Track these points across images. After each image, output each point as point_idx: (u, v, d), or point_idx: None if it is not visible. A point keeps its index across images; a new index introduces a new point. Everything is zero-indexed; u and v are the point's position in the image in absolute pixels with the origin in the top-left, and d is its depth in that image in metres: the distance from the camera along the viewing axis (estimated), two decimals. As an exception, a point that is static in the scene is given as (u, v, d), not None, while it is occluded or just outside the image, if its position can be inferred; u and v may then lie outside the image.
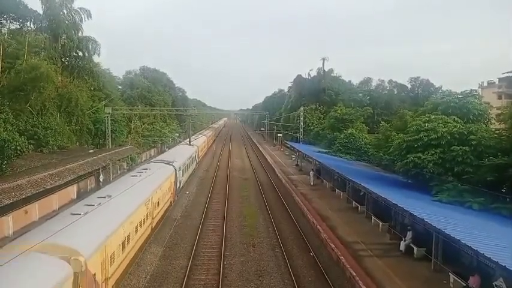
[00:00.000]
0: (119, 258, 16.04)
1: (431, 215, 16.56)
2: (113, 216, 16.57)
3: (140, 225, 19.90)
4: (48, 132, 37.54)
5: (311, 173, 41.37)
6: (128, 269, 17.89)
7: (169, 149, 58.44)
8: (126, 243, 17.02)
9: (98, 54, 52.69)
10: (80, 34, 50.26)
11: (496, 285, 14.04)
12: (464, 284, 15.31)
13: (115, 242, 15.50)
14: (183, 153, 44.49)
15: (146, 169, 29.24)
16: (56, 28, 46.74)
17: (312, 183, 40.01)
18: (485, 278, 14.69)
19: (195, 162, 52.29)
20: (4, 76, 36.21)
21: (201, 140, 70.03)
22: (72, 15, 49.20)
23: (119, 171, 43.27)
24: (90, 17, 50.17)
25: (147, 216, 21.65)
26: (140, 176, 25.94)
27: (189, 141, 57.68)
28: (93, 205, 16.94)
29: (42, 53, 42.98)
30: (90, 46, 51.29)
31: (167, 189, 29.15)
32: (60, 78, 45.11)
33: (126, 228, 17.20)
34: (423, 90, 72.76)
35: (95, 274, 12.88)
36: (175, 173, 33.45)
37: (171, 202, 30.84)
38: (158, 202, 25.21)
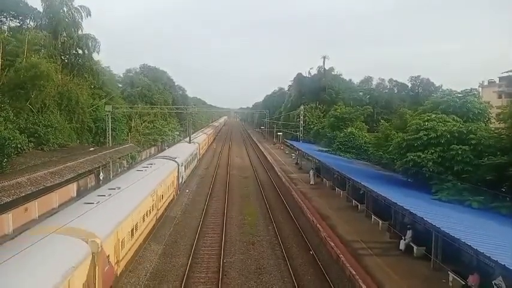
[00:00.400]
0: (129, 244, 17.77)
1: (431, 214, 16.58)
2: (123, 206, 18.16)
3: (146, 215, 21.58)
4: (49, 130, 37.53)
5: (311, 172, 41.28)
6: (135, 255, 19.42)
7: (169, 147, 58.63)
8: (134, 230, 18.68)
9: (98, 52, 52.79)
10: (79, 32, 50.25)
11: (495, 284, 14.06)
12: (464, 283, 15.32)
13: (125, 229, 17.20)
14: (185, 150, 46.16)
15: (151, 164, 31.02)
16: (56, 26, 46.74)
17: (312, 182, 39.88)
18: (485, 276, 14.71)
19: (197, 159, 54.26)
20: (4, 74, 36.19)
21: (201, 138, 70.92)
22: (72, 13, 49.20)
23: (119, 169, 43.27)
24: (90, 15, 50.26)
25: (152, 207, 23.39)
26: (146, 170, 27.64)
27: (189, 140, 57.78)
28: (105, 195, 18.44)
29: (42, 50, 42.94)
30: (90, 44, 51.26)
31: (171, 183, 30.85)
32: (60, 76, 45.08)
33: (134, 217, 18.90)
34: (423, 89, 72.78)
35: (108, 256, 14.65)
36: (178, 168, 35.06)
37: (173, 196, 32.32)
38: (162, 195, 26.79)
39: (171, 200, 31.12)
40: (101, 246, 13.41)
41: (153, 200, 23.52)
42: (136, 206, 19.48)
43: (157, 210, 25.18)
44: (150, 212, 22.57)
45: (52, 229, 12.68)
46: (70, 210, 16.59)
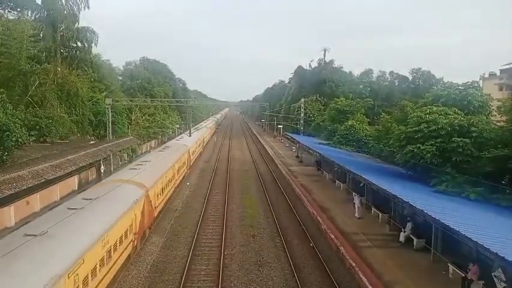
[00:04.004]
0: (160, 198, 25.70)
1: (430, 206, 16.61)
2: (155, 172, 25.86)
3: (170, 182, 29.96)
4: (50, 122, 37.48)
5: (356, 200, 28.29)
6: (163, 208, 27.43)
7: (168, 140, 59.12)
8: (163, 189, 26.96)
9: (96, 45, 52.39)
10: (78, 25, 49.93)
11: (494, 276, 14.14)
12: (463, 275, 15.41)
13: (159, 187, 25.21)
14: (192, 138, 54.72)
15: (168, 147, 40.98)
16: (54, 18, 46.37)
17: (357, 215, 25.64)
18: (484, 268, 14.78)
19: (202, 146, 64.38)
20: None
21: (203, 130, 73.03)
22: (70, 5, 48.80)
23: (119, 162, 43.32)
24: (88, 7, 49.83)
25: (173, 176, 31.79)
26: (165, 151, 36.96)
27: (190, 133, 57.89)
28: (142, 165, 26.76)
29: (42, 42, 42.66)
30: (88, 35, 50.89)
31: (183, 163, 38.95)
32: (59, 69, 44.91)
33: (163, 181, 27.13)
34: (424, 81, 72.25)
35: (151, 200, 22.46)
36: (189, 151, 44.13)
37: (185, 172, 40.66)
38: (178, 169, 35.16)
39: (184, 175, 39.42)
40: (147, 192, 21.63)
41: (173, 172, 31.76)
42: (164, 173, 27.57)
43: (175, 180, 33.20)
44: (171, 180, 30.78)
45: (122, 181, 20.85)
46: (126, 171, 25.77)
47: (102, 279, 13.92)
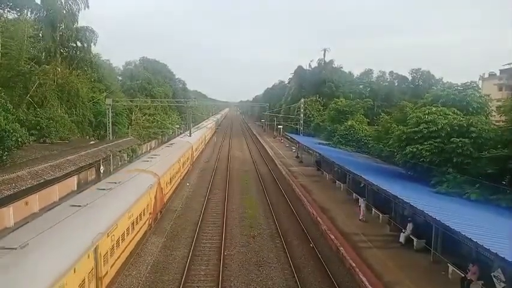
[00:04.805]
0: (168, 186, 29.36)
1: (431, 207, 16.61)
2: (165, 164, 29.54)
3: (176, 173, 33.75)
4: (50, 122, 37.45)
5: (362, 203, 25.66)
6: (173, 194, 31.70)
7: (170, 140, 59.25)
8: (171, 179, 30.86)
9: (95, 44, 52.36)
10: (77, 25, 49.90)
11: (494, 276, 14.14)
12: (463, 275, 15.42)
13: (168, 177, 29.04)
14: (196, 136, 58.96)
15: (173, 143, 44.83)
16: (53, 18, 46.34)
17: (361, 217, 25.09)
18: (484, 269, 14.78)
19: (204, 143, 68.77)
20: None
21: (203, 130, 73.65)
22: (70, 4, 48.78)
23: (119, 163, 43.31)
24: (88, 6, 49.81)
25: (179, 169, 35.66)
26: (172, 147, 41.17)
27: (190, 133, 57.95)
28: (153, 158, 30.67)
29: (41, 42, 42.61)
30: (88, 34, 50.84)
31: (187, 158, 42.93)
32: (59, 69, 44.87)
33: (171, 172, 30.98)
34: (424, 81, 72.33)
35: (162, 188, 26.13)
36: (192, 147, 48.13)
37: (189, 167, 44.17)
38: (183, 163, 39.31)
39: (189, 169, 43.60)
40: (159, 180, 25.31)
41: (179, 165, 35.74)
42: (171, 166, 31.25)
43: (181, 173, 37.44)
44: (178, 172, 34.56)
45: (138, 170, 24.56)
46: (139, 162, 30.43)
47: (128, 244, 17.84)
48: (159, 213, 25.69)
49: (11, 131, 26.72)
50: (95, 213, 15.16)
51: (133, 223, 18.49)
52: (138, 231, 19.83)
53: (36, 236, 11.44)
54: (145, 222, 21.31)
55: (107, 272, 14.74)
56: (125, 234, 17.16)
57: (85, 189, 21.94)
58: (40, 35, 42.44)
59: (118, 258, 16.17)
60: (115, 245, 15.63)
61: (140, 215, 19.99)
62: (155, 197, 23.86)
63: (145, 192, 21.28)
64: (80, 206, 15.42)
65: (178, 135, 67.34)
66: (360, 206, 25.18)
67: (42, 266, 10.25)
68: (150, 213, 22.41)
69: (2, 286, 9.09)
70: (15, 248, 10.46)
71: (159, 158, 30.66)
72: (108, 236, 14.68)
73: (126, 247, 17.35)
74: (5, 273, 9.39)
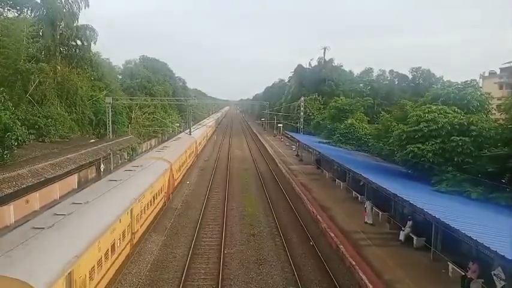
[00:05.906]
0: (178, 173, 34.72)
1: (431, 205, 16.62)
2: (175, 154, 35.14)
3: (184, 163, 39.66)
4: (49, 121, 37.40)
5: (368, 205, 25.04)
6: (182, 179, 37.44)
7: (169, 139, 59.36)
8: (180, 167, 36.57)
9: (95, 42, 52.18)
10: (77, 23, 49.74)
11: (494, 275, 14.15)
12: (463, 273, 15.43)
13: (177, 164, 34.39)
14: (199, 132, 63.78)
15: (179, 138, 51.58)
16: (53, 16, 46.22)
17: (367, 220, 24.24)
18: (484, 267, 14.79)
19: (206, 139, 74.67)
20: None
21: (203, 128, 74.06)
22: (70, 4, 48.65)
23: (119, 161, 43.33)
24: (88, 5, 49.65)
25: (186, 159, 41.59)
26: (178, 141, 46.79)
27: (190, 132, 58.03)
28: (165, 149, 37.10)
29: (41, 40, 42.49)
30: (88, 33, 50.69)
31: (192, 151, 48.60)
32: (59, 67, 44.78)
33: (180, 161, 36.44)
34: (424, 80, 72.21)
35: (173, 173, 31.30)
36: (196, 141, 54.26)
37: (193, 160, 49.49)
38: (189, 155, 44.80)
39: (193, 162, 48.36)
40: (171, 167, 30.72)
41: (185, 156, 41.28)
42: (179, 156, 36.66)
43: (187, 164, 42.87)
44: (184, 163, 39.95)
45: (154, 158, 30.32)
46: (153, 152, 37.79)
47: (150, 214, 22.88)
48: (171, 195, 30.47)
49: (12, 125, 26.69)
50: (128, 186, 20.63)
51: (154, 197, 23.71)
52: (156, 206, 24.67)
53: (91, 199, 16.74)
54: (161, 200, 26.36)
55: (137, 230, 19.88)
56: (149, 204, 22.39)
57: (114, 172, 28.97)
58: (40, 33, 42.26)
59: (144, 222, 21.25)
60: (142, 211, 20.80)
61: (158, 192, 25.29)
62: (168, 180, 29.19)
63: (161, 175, 26.73)
64: (116, 180, 21.16)
65: (178, 133, 67.24)
66: (365, 208, 24.19)
67: (103, 213, 15.89)
68: (165, 193, 27.69)
69: (88, 217, 14.99)
70: (82, 203, 16.06)
71: (169, 149, 36.40)
72: (138, 201, 19.91)
73: (148, 216, 22.39)
74: (82, 213, 15.09)
